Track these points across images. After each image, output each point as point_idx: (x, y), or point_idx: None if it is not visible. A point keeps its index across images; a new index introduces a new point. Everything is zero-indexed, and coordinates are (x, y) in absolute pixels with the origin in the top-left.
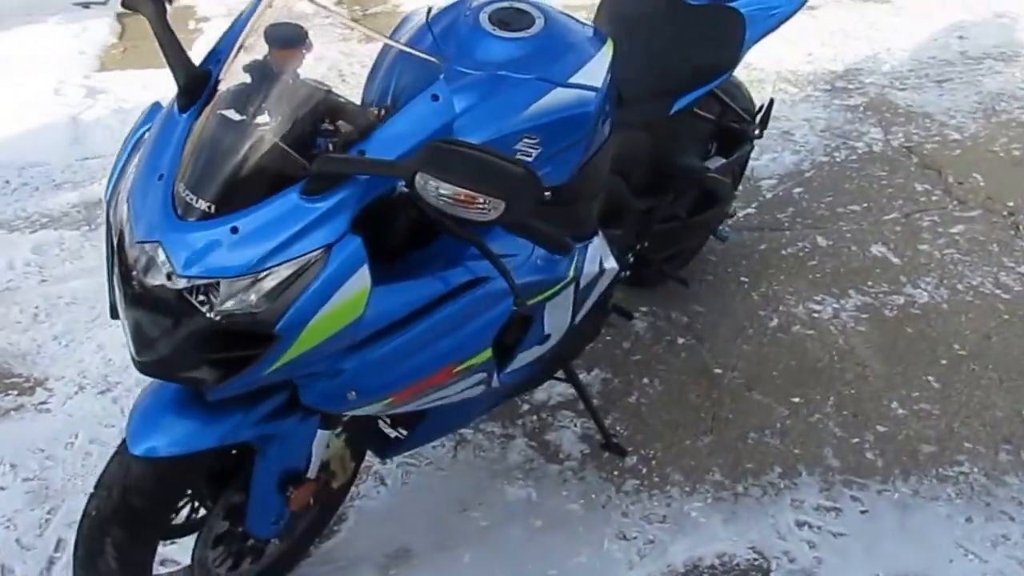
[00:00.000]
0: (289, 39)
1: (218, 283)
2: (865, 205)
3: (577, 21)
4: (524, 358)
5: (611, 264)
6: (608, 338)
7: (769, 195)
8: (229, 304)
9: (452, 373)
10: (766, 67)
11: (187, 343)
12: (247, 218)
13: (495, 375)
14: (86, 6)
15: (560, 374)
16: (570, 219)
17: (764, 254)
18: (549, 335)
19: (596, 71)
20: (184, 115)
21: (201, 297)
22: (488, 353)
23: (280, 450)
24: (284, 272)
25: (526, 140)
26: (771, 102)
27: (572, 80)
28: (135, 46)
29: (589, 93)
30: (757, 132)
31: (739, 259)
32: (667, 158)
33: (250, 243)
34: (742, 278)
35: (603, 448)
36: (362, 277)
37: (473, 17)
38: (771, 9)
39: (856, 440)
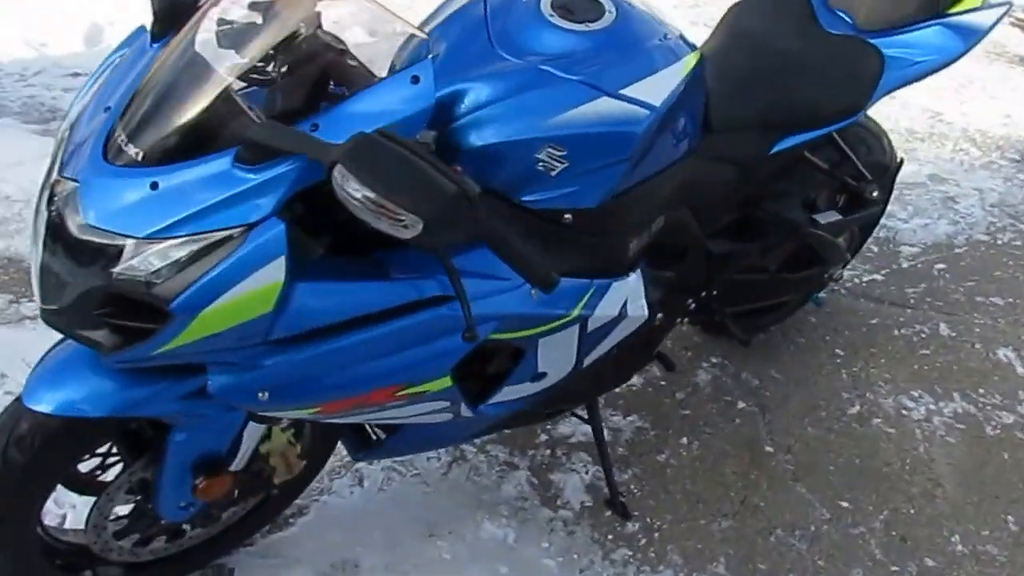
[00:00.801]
0: None
1: (123, 242)
2: (1010, 300)
3: (659, 23)
4: (511, 392)
5: (639, 311)
6: (662, 383)
7: (905, 265)
8: (129, 268)
9: (395, 396)
10: (954, 120)
11: (84, 300)
12: (171, 175)
13: (463, 405)
14: None
15: (582, 410)
16: (593, 251)
17: (873, 329)
18: (544, 374)
19: (661, 86)
20: (155, 45)
21: (106, 253)
22: (446, 382)
23: (198, 433)
24: (192, 246)
25: (550, 150)
26: (900, 163)
27: (626, 91)
28: None
29: (642, 111)
30: (876, 195)
31: (843, 328)
32: (760, 202)
33: (166, 204)
34: (837, 350)
35: (607, 505)
36: (276, 269)
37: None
38: (918, 56)
39: (895, 569)
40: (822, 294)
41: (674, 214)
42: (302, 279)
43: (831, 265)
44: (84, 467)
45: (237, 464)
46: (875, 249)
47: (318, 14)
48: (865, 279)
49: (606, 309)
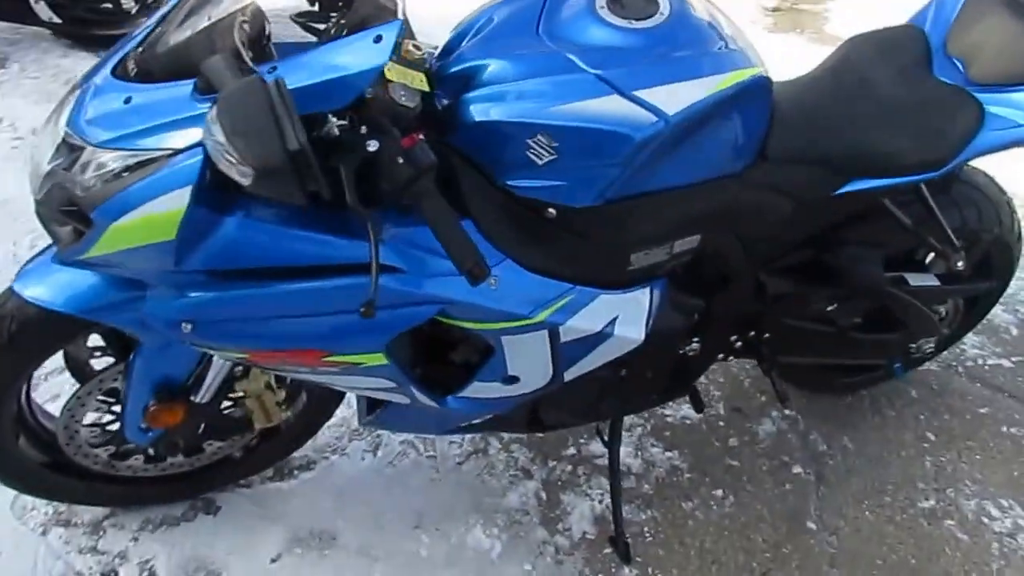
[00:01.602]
0: None
1: (83, 147)
2: None
3: (719, 33)
4: (482, 391)
5: (632, 333)
6: (720, 424)
7: None
8: (81, 171)
9: (323, 361)
10: None
11: (51, 196)
12: (143, 93)
13: (415, 391)
14: None
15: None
16: (577, 255)
17: (979, 420)
18: (517, 378)
19: (681, 95)
20: None
21: (71, 155)
22: (379, 358)
23: (159, 355)
24: (127, 160)
25: (541, 138)
26: (991, 236)
27: (640, 94)
28: None
29: (649, 116)
30: (960, 265)
31: (943, 411)
32: (835, 247)
33: (127, 118)
34: (929, 434)
35: (609, 541)
36: (181, 196)
37: None
38: (1022, 118)
39: None
40: (903, 368)
41: (714, 239)
42: (231, 214)
43: (917, 335)
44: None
45: (201, 396)
46: (1014, 332)
47: None
48: (990, 362)
49: (585, 322)
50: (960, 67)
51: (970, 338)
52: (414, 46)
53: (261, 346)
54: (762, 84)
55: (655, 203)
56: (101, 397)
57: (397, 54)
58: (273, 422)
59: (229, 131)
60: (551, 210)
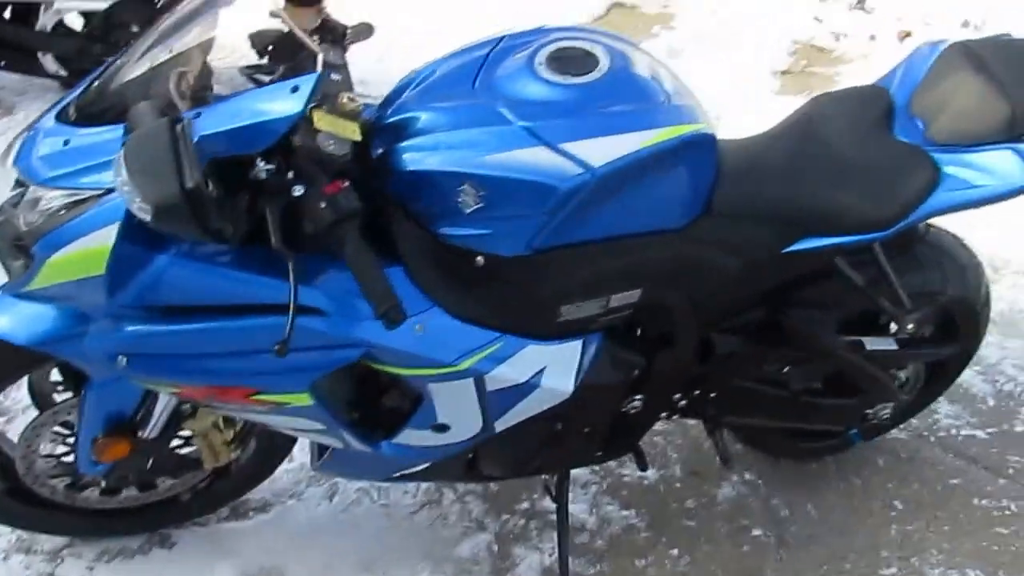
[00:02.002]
0: None
1: (29, 185)
2: None
3: (661, 88)
4: (414, 438)
5: (560, 385)
6: (677, 485)
7: (1020, 429)
8: (27, 208)
9: (250, 399)
10: None
11: (2, 228)
12: (80, 135)
13: (344, 434)
14: None
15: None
16: (506, 304)
17: (950, 491)
18: (447, 426)
19: (610, 149)
20: None
21: (22, 190)
22: (304, 399)
23: (107, 390)
24: (64, 199)
25: (468, 187)
26: (985, 301)
27: (567, 146)
28: None
29: (575, 168)
30: (911, 328)
31: (913, 480)
32: (786, 307)
33: (65, 158)
34: (896, 502)
35: None
36: (106, 234)
37: (535, 49)
38: (978, 179)
39: None
40: (859, 435)
41: (657, 294)
42: (162, 252)
43: (874, 401)
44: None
45: (149, 432)
46: (991, 402)
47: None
48: (964, 433)
49: (511, 371)
50: (921, 127)
51: (944, 407)
52: (349, 98)
53: (191, 381)
54: (704, 140)
55: (587, 254)
56: (56, 429)
57: (330, 104)
58: (221, 462)
59: (132, 170)
60: (480, 258)
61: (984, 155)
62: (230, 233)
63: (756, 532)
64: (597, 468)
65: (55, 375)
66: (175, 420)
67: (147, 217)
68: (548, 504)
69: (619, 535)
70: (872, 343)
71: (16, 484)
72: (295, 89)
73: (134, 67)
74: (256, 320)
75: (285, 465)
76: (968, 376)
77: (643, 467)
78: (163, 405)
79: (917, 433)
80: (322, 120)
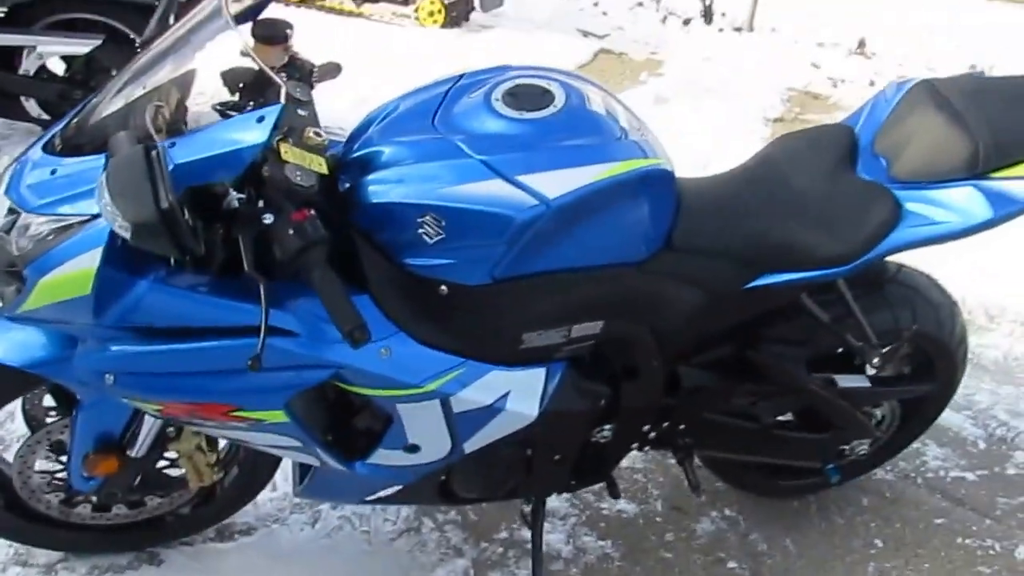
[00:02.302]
0: (271, 36)
1: (19, 212)
2: None
3: (616, 125)
4: (387, 458)
5: (525, 408)
6: (658, 519)
7: (1011, 472)
8: (18, 234)
9: (229, 415)
10: None
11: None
12: (67, 165)
13: (319, 451)
14: None
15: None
16: (469, 331)
17: (933, 530)
18: (417, 447)
19: (564, 181)
20: None
21: (11, 218)
22: (279, 416)
23: (97, 409)
24: (53, 224)
25: (429, 218)
26: (910, 334)
27: (523, 178)
28: None
29: (530, 200)
30: (876, 363)
31: (896, 519)
32: (750, 342)
33: (52, 187)
34: (877, 541)
35: None
36: (91, 257)
37: (492, 86)
38: (939, 216)
39: None
40: (837, 472)
41: (620, 326)
42: (144, 276)
43: (848, 436)
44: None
45: (137, 451)
46: (981, 446)
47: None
48: (952, 475)
49: (476, 394)
50: (884, 164)
51: (933, 450)
52: (315, 132)
53: (173, 398)
54: (660, 175)
55: (547, 285)
56: (49, 447)
57: (297, 138)
58: (205, 482)
59: (113, 192)
60: (443, 287)
61: (946, 192)
62: (201, 253)
63: (732, 564)
64: (576, 501)
65: (47, 400)
66: (161, 441)
67: (127, 235)
68: (525, 534)
69: (594, 564)
70: (844, 380)
71: (14, 499)
72: (260, 119)
73: (112, 102)
74: (232, 341)
75: (269, 493)
76: (959, 420)
77: (615, 495)
78: (149, 425)
79: (904, 474)
80: (289, 152)
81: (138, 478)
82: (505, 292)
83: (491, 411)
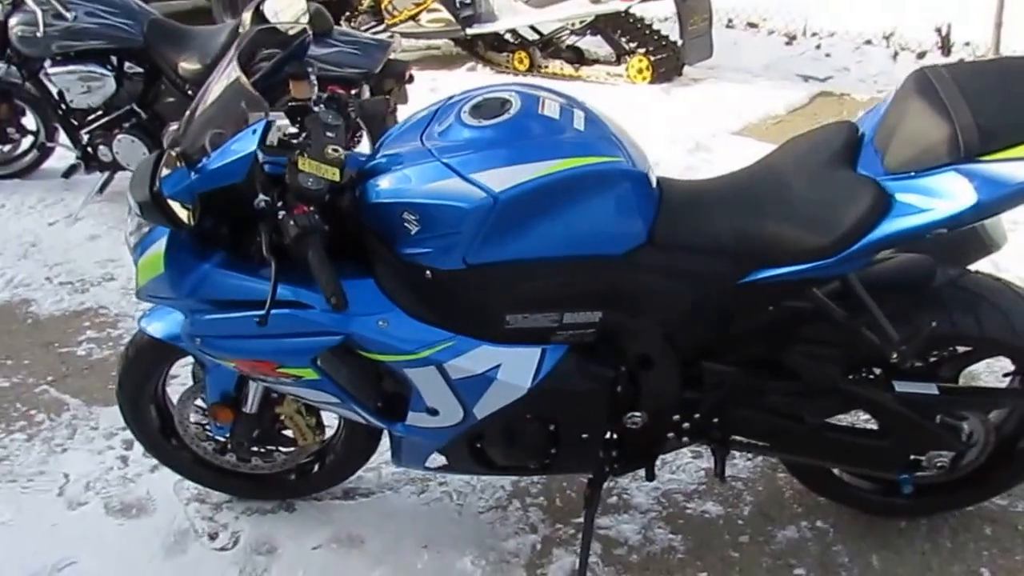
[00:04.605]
0: (298, 74)
1: None
2: None
3: (568, 126)
4: (417, 419)
5: (516, 380)
6: (739, 521)
7: None
8: (135, 230)
9: (276, 371)
10: None
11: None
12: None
13: (354, 405)
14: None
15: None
16: (452, 310)
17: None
18: (436, 410)
19: (511, 176)
20: None
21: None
22: (311, 373)
23: (214, 371)
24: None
25: (408, 214)
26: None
27: (475, 175)
28: None
29: (479, 193)
30: (895, 358)
31: (1018, 551)
32: (773, 342)
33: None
34: (983, 570)
35: None
36: (161, 243)
37: (464, 101)
38: (926, 204)
39: None
40: (911, 483)
41: (617, 318)
42: (207, 261)
43: (921, 446)
44: None
45: (250, 407)
46: None
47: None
48: None
49: (466, 363)
50: (879, 158)
51: None
52: (333, 149)
53: (239, 356)
54: (621, 173)
55: (519, 272)
56: (197, 401)
57: (317, 153)
58: (309, 442)
59: (131, 183)
60: (428, 272)
61: (932, 179)
62: (192, 229)
63: (800, 571)
64: (664, 499)
65: None
66: (268, 402)
67: (138, 213)
68: (600, 521)
69: (656, 554)
70: (907, 386)
71: (185, 445)
72: (254, 131)
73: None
74: (277, 313)
75: (393, 468)
76: None
77: (650, 477)
78: (254, 387)
79: None
80: (305, 164)
81: (255, 432)
82: (480, 276)
83: (484, 379)
